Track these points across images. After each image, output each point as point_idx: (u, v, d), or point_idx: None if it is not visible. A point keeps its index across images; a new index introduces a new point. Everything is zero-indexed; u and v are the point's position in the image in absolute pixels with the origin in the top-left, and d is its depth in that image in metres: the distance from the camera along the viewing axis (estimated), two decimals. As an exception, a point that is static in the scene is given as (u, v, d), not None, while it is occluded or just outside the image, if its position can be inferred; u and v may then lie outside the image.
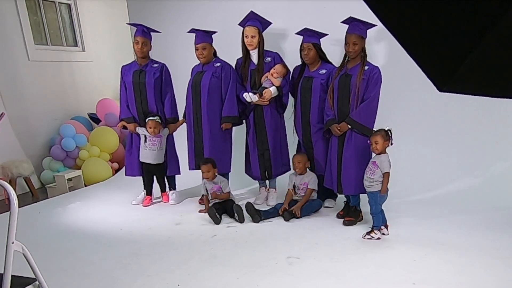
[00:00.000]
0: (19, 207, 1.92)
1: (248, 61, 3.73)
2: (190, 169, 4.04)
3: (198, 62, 3.88)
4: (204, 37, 3.75)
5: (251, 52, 3.69)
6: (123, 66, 4.05)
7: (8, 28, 5.27)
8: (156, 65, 3.94)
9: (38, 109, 5.62)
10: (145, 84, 3.88)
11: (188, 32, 3.80)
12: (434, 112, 4.00)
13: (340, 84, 3.28)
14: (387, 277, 2.48)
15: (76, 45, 6.40)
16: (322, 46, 3.54)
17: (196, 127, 3.89)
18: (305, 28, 3.51)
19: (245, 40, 3.63)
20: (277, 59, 3.73)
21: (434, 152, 4.05)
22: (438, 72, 0.75)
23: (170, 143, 4.11)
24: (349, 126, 3.22)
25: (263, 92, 3.60)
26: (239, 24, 3.68)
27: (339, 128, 3.26)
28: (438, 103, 3.79)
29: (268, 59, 3.70)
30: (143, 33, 3.84)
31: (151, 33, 3.93)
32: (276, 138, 3.84)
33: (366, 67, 3.18)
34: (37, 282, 2.02)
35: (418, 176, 3.97)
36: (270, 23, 3.72)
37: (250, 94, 3.62)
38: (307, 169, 3.62)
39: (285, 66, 3.70)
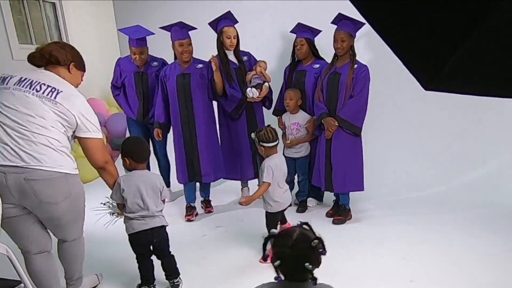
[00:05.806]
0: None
1: (226, 61, 3.59)
2: (180, 182, 3.71)
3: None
4: (187, 32, 3.48)
5: (227, 52, 3.60)
6: (119, 59, 3.91)
7: (-9, 27, 5.15)
8: (155, 63, 3.85)
9: (23, 109, 5.51)
10: (148, 86, 3.81)
11: (172, 25, 3.46)
12: (424, 110, 4.04)
13: (329, 82, 3.29)
14: (378, 276, 2.50)
15: (62, 44, 6.29)
16: (316, 46, 3.56)
17: (188, 135, 3.55)
18: (299, 23, 3.53)
19: (227, 40, 3.52)
20: (252, 57, 3.72)
21: (424, 151, 4.08)
22: (424, 71, 0.75)
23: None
24: (337, 124, 3.24)
25: (262, 87, 3.57)
26: (210, 24, 3.57)
27: (332, 121, 3.24)
28: (428, 101, 3.82)
29: (245, 57, 3.68)
30: (138, 43, 3.64)
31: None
32: None
33: (355, 66, 3.20)
34: (22, 285, 1.99)
35: (408, 174, 4.01)
36: (237, 22, 3.61)
37: (253, 90, 3.52)
38: (299, 108, 3.58)
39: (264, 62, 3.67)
